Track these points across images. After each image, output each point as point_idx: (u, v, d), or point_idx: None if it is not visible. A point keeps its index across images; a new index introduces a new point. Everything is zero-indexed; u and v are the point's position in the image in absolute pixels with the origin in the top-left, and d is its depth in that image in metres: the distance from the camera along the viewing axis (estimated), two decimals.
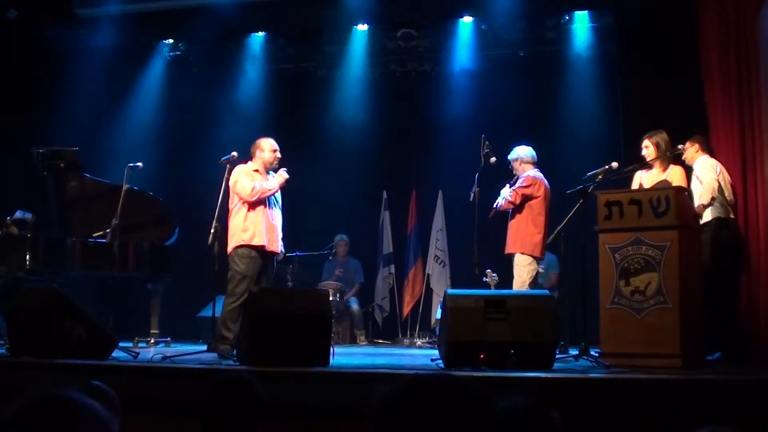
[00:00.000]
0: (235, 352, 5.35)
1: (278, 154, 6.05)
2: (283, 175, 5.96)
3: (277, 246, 6.01)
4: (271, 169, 6.03)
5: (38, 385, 1.25)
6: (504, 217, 6.50)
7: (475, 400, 1.19)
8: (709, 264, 5.53)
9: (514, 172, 6.51)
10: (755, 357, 5.52)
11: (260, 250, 5.83)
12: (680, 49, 6.51)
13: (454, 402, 1.18)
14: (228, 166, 5.92)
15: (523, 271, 6.22)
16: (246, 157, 6.07)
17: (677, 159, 5.82)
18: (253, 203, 5.84)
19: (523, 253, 6.24)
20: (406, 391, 1.20)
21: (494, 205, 6.41)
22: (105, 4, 8.39)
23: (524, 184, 6.29)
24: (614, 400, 3.87)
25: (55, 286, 5.80)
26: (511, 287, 6.32)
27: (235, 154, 6.01)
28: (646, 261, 4.84)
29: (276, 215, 6.01)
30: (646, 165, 5.83)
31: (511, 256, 6.36)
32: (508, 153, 6.54)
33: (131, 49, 9.11)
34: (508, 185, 6.45)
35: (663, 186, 5.52)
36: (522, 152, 6.49)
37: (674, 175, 5.72)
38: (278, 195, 6.06)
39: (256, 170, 5.97)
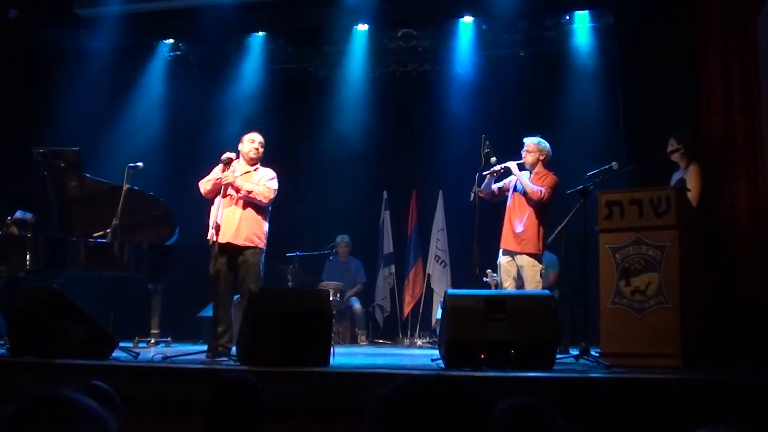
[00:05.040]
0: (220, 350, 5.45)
1: (256, 145, 5.91)
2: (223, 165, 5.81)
3: (232, 237, 5.71)
4: (249, 159, 5.90)
5: (38, 385, 1.25)
6: (502, 214, 6.49)
7: (472, 400, 1.19)
8: None
9: (524, 156, 6.45)
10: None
11: (213, 245, 5.68)
12: (680, 49, 6.50)
13: (451, 402, 1.18)
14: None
15: (535, 272, 6.22)
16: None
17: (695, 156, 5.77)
18: (210, 196, 5.79)
19: (532, 254, 6.24)
20: (404, 391, 1.20)
21: (482, 187, 6.34)
22: (105, 4, 8.39)
23: (553, 186, 6.27)
24: (614, 400, 3.87)
25: (55, 286, 5.80)
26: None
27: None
28: (646, 261, 4.84)
29: (229, 207, 5.77)
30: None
31: (512, 252, 6.34)
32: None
33: (131, 49, 9.12)
34: (516, 164, 6.39)
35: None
36: (547, 149, 6.47)
37: (691, 173, 5.68)
38: (244, 185, 5.79)
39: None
